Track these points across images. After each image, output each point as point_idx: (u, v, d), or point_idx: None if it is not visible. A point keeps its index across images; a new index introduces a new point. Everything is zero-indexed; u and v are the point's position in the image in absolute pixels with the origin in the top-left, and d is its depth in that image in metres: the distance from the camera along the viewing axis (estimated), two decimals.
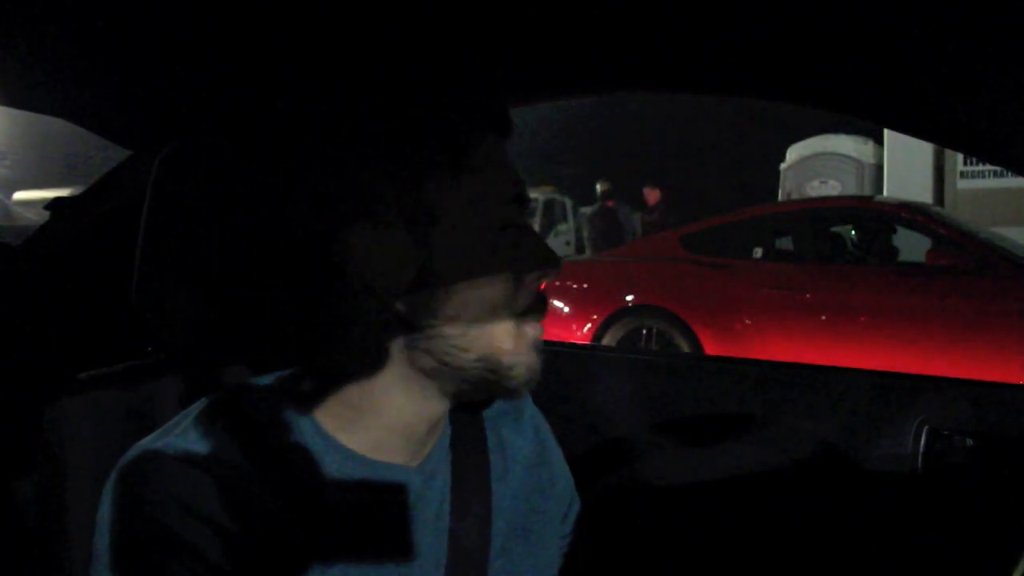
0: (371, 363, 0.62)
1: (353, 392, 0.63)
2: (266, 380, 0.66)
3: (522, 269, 0.62)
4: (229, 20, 0.77)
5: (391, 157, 0.59)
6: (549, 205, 12.34)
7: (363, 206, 0.58)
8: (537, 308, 0.63)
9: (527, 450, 0.77)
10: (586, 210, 10.10)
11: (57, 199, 1.16)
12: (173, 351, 0.76)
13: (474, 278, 0.60)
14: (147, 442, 0.60)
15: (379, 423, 0.63)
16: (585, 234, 9.53)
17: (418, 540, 0.65)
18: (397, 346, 0.61)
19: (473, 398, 0.67)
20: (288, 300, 0.65)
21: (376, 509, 0.63)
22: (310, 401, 0.63)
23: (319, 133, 0.62)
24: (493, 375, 0.62)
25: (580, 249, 11.34)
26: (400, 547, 0.63)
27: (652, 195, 8.33)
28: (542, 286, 0.64)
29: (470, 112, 0.62)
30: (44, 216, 1.18)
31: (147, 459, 0.58)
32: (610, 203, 9.06)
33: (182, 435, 0.59)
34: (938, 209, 5.55)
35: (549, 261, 0.63)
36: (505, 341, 0.61)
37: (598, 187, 9.10)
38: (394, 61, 0.85)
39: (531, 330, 0.63)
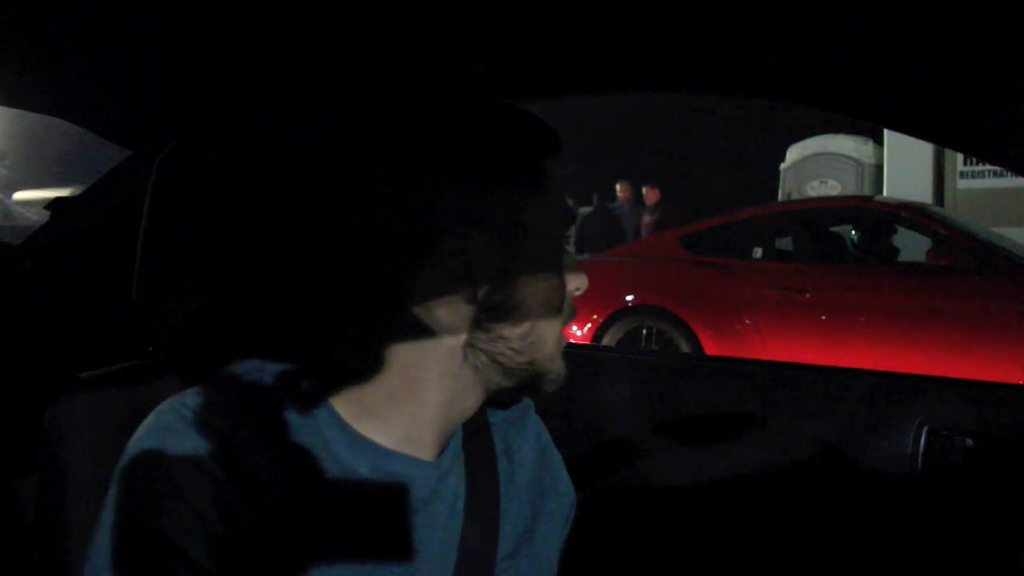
0: (423, 360, 0.64)
1: (396, 383, 0.64)
2: (274, 367, 0.66)
3: (571, 280, 0.69)
4: (229, 20, 0.77)
5: (482, 176, 0.63)
6: None
7: (452, 219, 0.62)
8: (571, 316, 0.70)
9: (530, 455, 0.78)
10: (586, 210, 10.10)
11: (57, 199, 1.16)
12: (173, 351, 0.76)
13: (542, 287, 0.66)
14: (149, 437, 0.60)
15: (416, 414, 0.64)
16: (583, 234, 9.52)
17: (428, 534, 0.65)
18: (456, 344, 0.64)
19: (504, 398, 0.72)
20: (312, 300, 0.67)
21: (387, 499, 0.63)
22: (327, 390, 0.64)
23: (391, 147, 0.64)
24: (536, 376, 0.67)
25: (580, 249, 11.34)
26: (408, 539, 0.64)
27: (651, 195, 8.32)
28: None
29: (538, 134, 0.67)
30: (44, 216, 1.18)
31: (150, 454, 0.58)
32: (623, 201, 9.04)
33: (186, 427, 0.59)
34: (938, 209, 5.55)
35: (582, 275, 0.70)
36: (551, 347, 0.67)
37: (618, 188, 9.10)
38: (370, 69, 0.86)
39: (562, 337, 0.69)
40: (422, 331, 0.63)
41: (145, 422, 0.61)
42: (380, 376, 0.64)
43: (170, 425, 0.59)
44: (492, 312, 0.64)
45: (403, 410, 0.64)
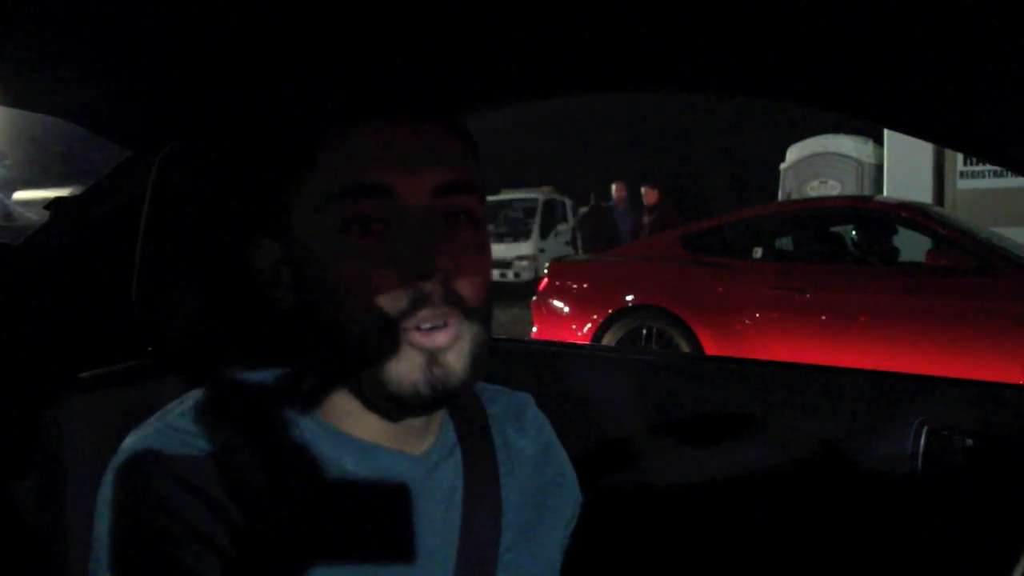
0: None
1: (337, 392, 0.63)
2: (259, 374, 0.66)
3: (376, 273, 0.56)
4: (229, 20, 0.77)
5: (259, 167, 0.61)
6: (549, 205, 12.34)
7: (253, 218, 0.60)
8: (411, 313, 0.56)
9: (531, 450, 0.78)
10: (585, 209, 10.10)
11: (57, 199, 1.16)
12: (173, 351, 0.76)
13: (325, 284, 0.57)
14: (143, 429, 0.60)
15: (365, 413, 0.64)
16: (578, 233, 9.54)
17: (424, 530, 0.65)
18: None
19: (376, 407, 0.63)
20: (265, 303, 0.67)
21: (375, 494, 0.63)
22: (307, 392, 0.64)
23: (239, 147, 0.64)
24: (366, 385, 0.59)
25: (579, 249, 11.35)
26: (401, 536, 0.63)
27: (650, 195, 8.31)
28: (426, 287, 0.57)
29: (320, 108, 0.60)
30: (44, 216, 1.18)
31: (145, 445, 0.58)
32: (604, 204, 9.05)
33: (178, 421, 0.60)
34: (938, 209, 5.55)
35: (422, 262, 0.56)
36: (370, 349, 0.57)
37: (613, 188, 9.11)
38: (370, 68, 0.86)
39: (410, 336, 0.57)
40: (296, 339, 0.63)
41: (133, 433, 0.61)
42: (336, 380, 0.63)
43: (159, 431, 0.59)
44: (307, 319, 0.60)
45: (358, 410, 0.63)
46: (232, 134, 0.65)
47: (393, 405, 0.60)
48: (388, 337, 0.57)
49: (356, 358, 0.58)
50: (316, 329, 0.60)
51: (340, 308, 0.57)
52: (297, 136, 0.59)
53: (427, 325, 0.57)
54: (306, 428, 0.62)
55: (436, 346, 0.57)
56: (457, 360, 0.58)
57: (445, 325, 0.58)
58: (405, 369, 0.57)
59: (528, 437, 0.78)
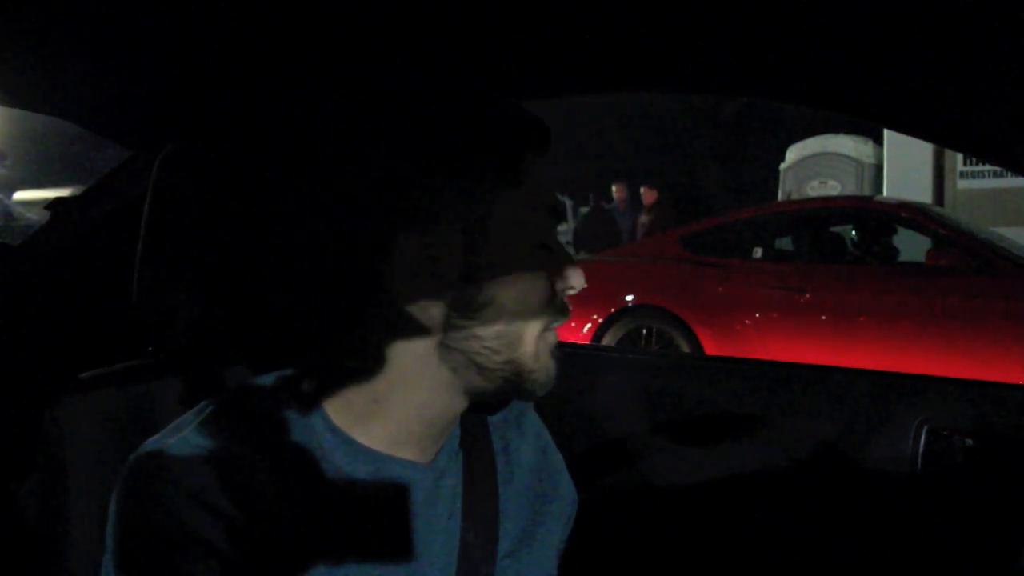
0: (401, 361, 0.63)
1: (377, 385, 0.63)
2: (269, 379, 0.66)
3: (554, 279, 0.66)
4: (229, 20, 0.77)
5: (446, 169, 0.62)
6: None
7: (413, 213, 0.61)
8: (559, 318, 0.67)
9: (529, 455, 0.78)
10: (585, 210, 10.10)
11: (57, 199, 1.16)
12: (173, 351, 0.76)
13: (516, 284, 0.63)
14: (155, 440, 0.60)
15: (398, 417, 0.64)
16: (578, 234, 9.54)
17: (428, 538, 0.65)
18: (430, 343, 0.63)
19: (491, 400, 0.70)
20: (300, 299, 0.66)
21: (387, 503, 0.64)
22: (319, 397, 0.64)
23: (360, 142, 0.64)
24: (517, 378, 0.65)
25: (578, 249, 11.35)
26: (410, 543, 0.64)
27: (649, 195, 8.29)
28: (567, 296, 0.68)
29: (516, 127, 0.65)
30: (44, 216, 1.18)
31: (156, 455, 0.58)
32: (604, 204, 9.04)
33: (191, 433, 0.60)
34: (938, 209, 5.55)
35: (578, 274, 0.67)
36: (531, 346, 0.65)
37: (614, 189, 9.11)
38: (370, 69, 0.86)
39: (551, 337, 0.67)
40: (395, 331, 0.63)
41: (145, 444, 0.61)
42: (365, 379, 0.63)
43: (173, 444, 0.59)
44: (463, 310, 0.62)
45: (389, 413, 0.64)
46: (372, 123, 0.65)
47: (529, 394, 0.67)
48: (543, 338, 0.66)
49: (514, 351, 0.64)
50: (476, 325, 0.63)
51: (517, 310, 0.64)
52: (505, 146, 0.64)
53: (560, 324, 0.67)
54: (322, 438, 0.62)
55: (556, 343, 0.68)
56: None
57: None
58: (549, 364, 0.67)
59: (528, 441, 0.78)
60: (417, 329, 0.62)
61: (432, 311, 0.62)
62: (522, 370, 0.65)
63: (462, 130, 0.63)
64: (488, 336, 0.63)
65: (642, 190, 8.38)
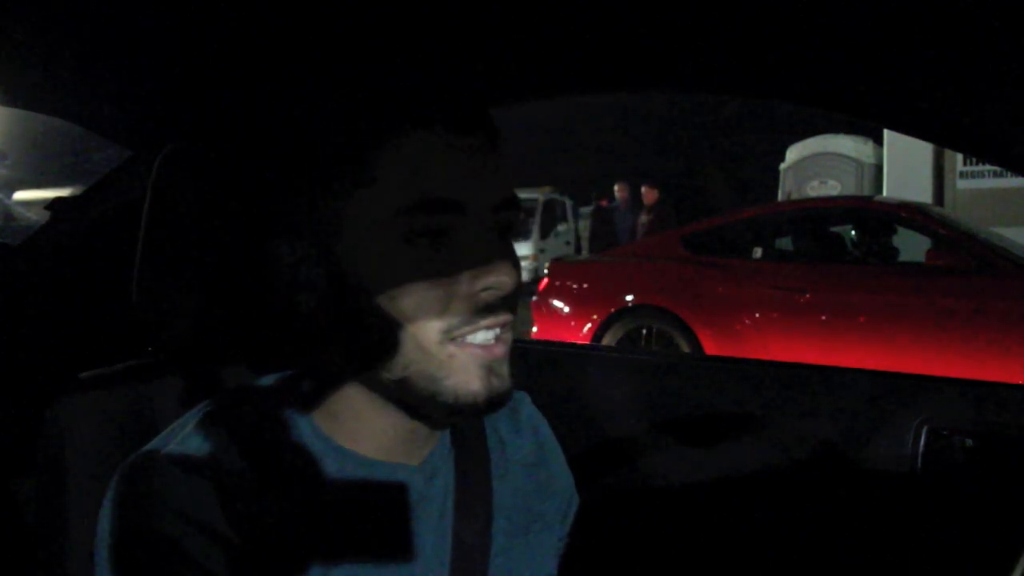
0: (336, 372, 0.62)
1: (348, 393, 0.63)
2: (266, 381, 0.66)
3: (467, 281, 0.57)
4: (229, 20, 0.77)
5: (296, 171, 0.59)
6: (549, 205, 12.34)
7: (274, 221, 0.59)
8: (473, 321, 0.58)
9: (526, 449, 0.77)
10: (586, 210, 10.11)
11: (57, 199, 1.16)
12: (173, 351, 0.76)
13: (388, 292, 0.56)
14: (147, 448, 0.60)
15: (372, 425, 0.63)
16: (580, 234, 9.57)
17: (421, 540, 0.65)
18: (343, 356, 0.61)
19: (420, 415, 0.63)
20: (271, 303, 0.66)
21: (378, 510, 0.63)
22: (308, 402, 0.63)
23: (265, 144, 0.63)
24: (416, 395, 0.59)
25: (580, 249, 11.36)
26: (403, 547, 0.64)
27: (650, 195, 8.29)
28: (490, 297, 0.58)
29: (366, 120, 0.58)
30: (44, 216, 1.18)
31: (146, 465, 0.58)
32: (604, 204, 9.06)
33: (183, 441, 0.60)
34: (938, 209, 5.55)
35: (496, 272, 0.57)
36: (427, 362, 0.57)
37: (616, 189, 9.12)
38: (370, 69, 0.86)
39: (470, 351, 0.58)
40: (315, 350, 0.61)
41: (137, 453, 0.61)
42: (346, 387, 0.63)
43: (165, 450, 0.59)
44: (345, 323, 0.59)
45: (366, 420, 0.63)
46: (249, 132, 0.64)
47: (442, 414, 0.61)
48: (449, 348, 0.57)
49: (406, 368, 0.58)
50: (354, 336, 0.59)
51: (398, 319, 0.57)
52: (350, 142, 0.58)
53: (488, 336, 0.58)
54: (311, 444, 0.62)
55: (495, 357, 0.59)
56: (507, 368, 0.61)
57: (501, 335, 0.59)
58: (464, 380, 0.58)
59: (523, 436, 0.78)
60: (326, 348, 0.61)
61: (322, 324, 0.60)
62: (421, 387, 0.58)
63: (304, 130, 0.60)
64: (371, 351, 0.58)
65: (643, 190, 8.38)
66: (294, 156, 0.60)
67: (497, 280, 0.57)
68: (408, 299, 0.57)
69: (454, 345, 0.58)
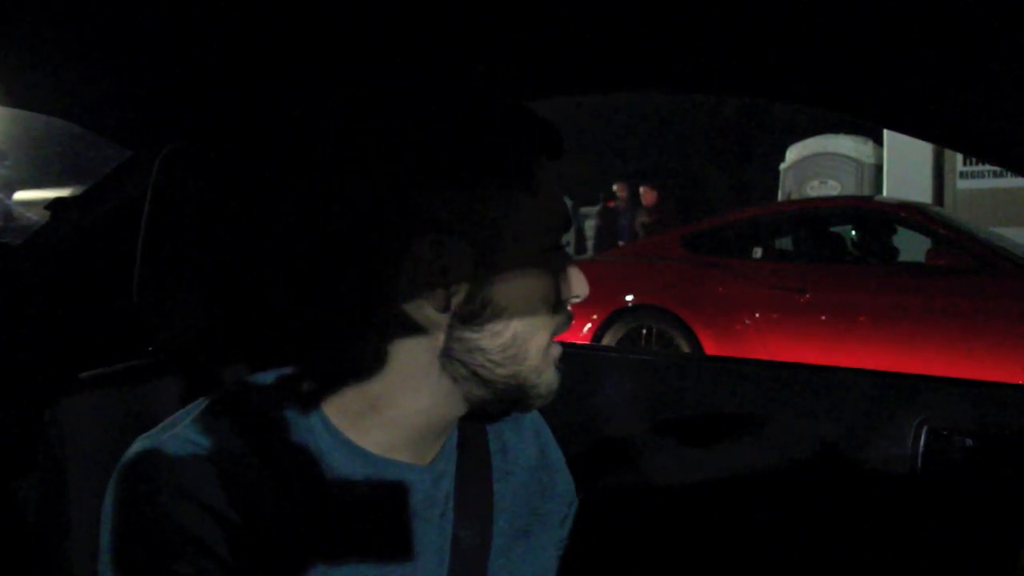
0: (402, 366, 0.62)
1: (375, 389, 0.63)
2: (268, 377, 0.66)
3: (563, 292, 0.65)
4: (229, 20, 0.77)
5: (458, 174, 0.60)
6: None
7: (425, 220, 0.59)
8: (563, 326, 0.66)
9: (528, 452, 0.78)
10: (586, 210, 10.10)
11: (57, 199, 1.16)
12: (173, 351, 0.76)
13: (525, 296, 0.62)
14: (150, 436, 0.60)
15: (395, 422, 0.63)
16: (587, 233, 9.55)
17: (423, 539, 0.65)
18: (433, 351, 0.62)
19: (492, 409, 0.68)
20: (301, 300, 0.66)
21: (383, 507, 0.63)
22: (319, 397, 0.63)
23: (368, 147, 0.62)
24: (518, 391, 0.64)
25: (579, 250, 11.35)
26: (406, 546, 0.64)
27: (649, 195, 8.28)
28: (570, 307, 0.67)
29: (529, 134, 0.64)
30: (44, 216, 1.18)
31: (150, 453, 0.58)
32: (611, 204, 9.04)
33: (186, 429, 0.60)
34: (938, 209, 5.55)
35: (582, 282, 0.67)
36: (535, 359, 0.64)
37: (615, 188, 9.11)
38: (370, 69, 0.85)
39: (555, 349, 0.66)
40: (396, 337, 0.61)
41: (138, 440, 0.61)
42: (363, 383, 0.63)
43: (166, 440, 0.59)
44: (468, 321, 0.61)
45: (385, 417, 0.63)
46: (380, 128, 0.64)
47: (533, 404, 0.67)
48: (549, 348, 0.65)
49: (521, 364, 0.63)
50: (481, 334, 0.62)
51: (526, 320, 0.63)
52: (523, 159, 0.63)
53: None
54: (320, 438, 0.62)
55: (559, 353, 0.67)
56: None
57: None
58: (550, 376, 0.66)
59: (526, 438, 0.78)
60: (420, 336, 0.61)
61: (435, 321, 0.61)
62: (524, 384, 0.64)
63: (473, 133, 0.62)
64: (492, 348, 0.62)
65: (641, 190, 8.37)
66: (454, 157, 0.61)
67: (580, 290, 0.66)
68: (537, 304, 0.63)
69: (547, 349, 0.65)
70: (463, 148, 0.61)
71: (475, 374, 0.62)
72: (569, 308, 0.67)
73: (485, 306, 0.61)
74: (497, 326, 0.61)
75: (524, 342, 0.63)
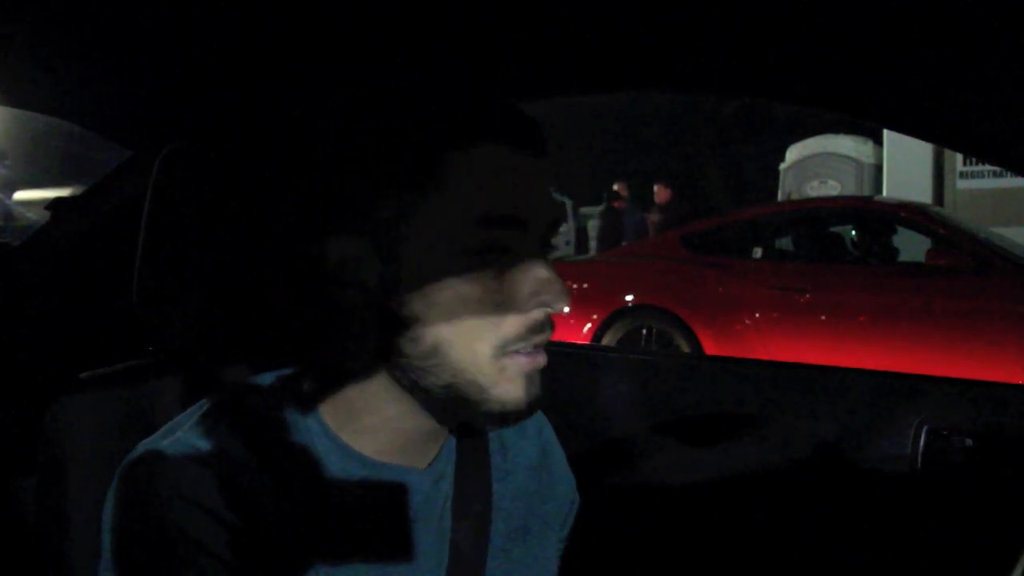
0: (360, 367, 0.61)
1: (354, 393, 0.62)
2: (268, 378, 0.66)
3: (517, 297, 0.58)
4: (229, 20, 0.77)
5: (362, 169, 0.58)
6: None
7: (333, 218, 0.58)
8: (527, 338, 0.59)
9: (529, 452, 0.77)
10: (586, 210, 10.09)
11: (57, 199, 1.16)
12: (173, 351, 0.76)
13: (447, 301, 0.56)
14: (150, 441, 0.60)
15: (378, 428, 0.63)
16: (591, 233, 9.53)
17: (422, 541, 0.65)
18: (379, 360, 0.60)
19: (458, 420, 0.64)
20: (284, 299, 0.65)
21: (381, 509, 0.63)
22: (315, 400, 0.63)
23: (302, 141, 0.62)
24: (462, 404, 0.59)
25: (580, 249, 11.35)
26: (404, 547, 0.63)
27: (662, 194, 8.16)
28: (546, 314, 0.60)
29: (436, 125, 0.58)
30: (44, 216, 1.18)
31: (151, 457, 0.58)
32: (616, 204, 9.02)
33: (186, 433, 0.60)
34: (938, 209, 5.55)
35: (554, 289, 0.58)
36: (477, 372, 0.58)
37: (615, 188, 9.09)
38: (370, 69, 0.85)
39: (518, 361, 0.59)
40: (345, 345, 0.61)
41: (140, 445, 0.60)
42: (345, 387, 0.62)
43: (167, 445, 0.59)
44: (391, 328, 0.58)
45: (367, 422, 0.63)
46: (292, 129, 0.63)
47: (483, 421, 0.61)
48: (500, 361, 0.58)
49: (455, 376, 0.58)
50: (402, 342, 0.58)
51: (453, 328, 0.57)
52: (425, 146, 0.57)
53: (531, 348, 0.59)
54: (318, 443, 0.62)
55: (536, 366, 0.60)
56: (539, 374, 0.61)
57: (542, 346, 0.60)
58: (511, 391, 0.59)
59: (527, 438, 0.78)
60: (362, 346, 0.60)
61: (368, 328, 0.59)
62: (466, 397, 0.58)
63: (361, 132, 0.59)
64: (414, 355, 0.58)
65: (655, 188, 8.27)
66: (359, 155, 0.59)
67: (552, 299, 0.58)
68: (466, 311, 0.57)
69: (505, 358, 0.58)
70: (353, 148, 0.59)
71: (415, 383, 0.59)
72: (541, 315, 0.59)
73: (399, 312, 0.57)
74: (415, 332, 0.57)
75: (450, 350, 0.57)
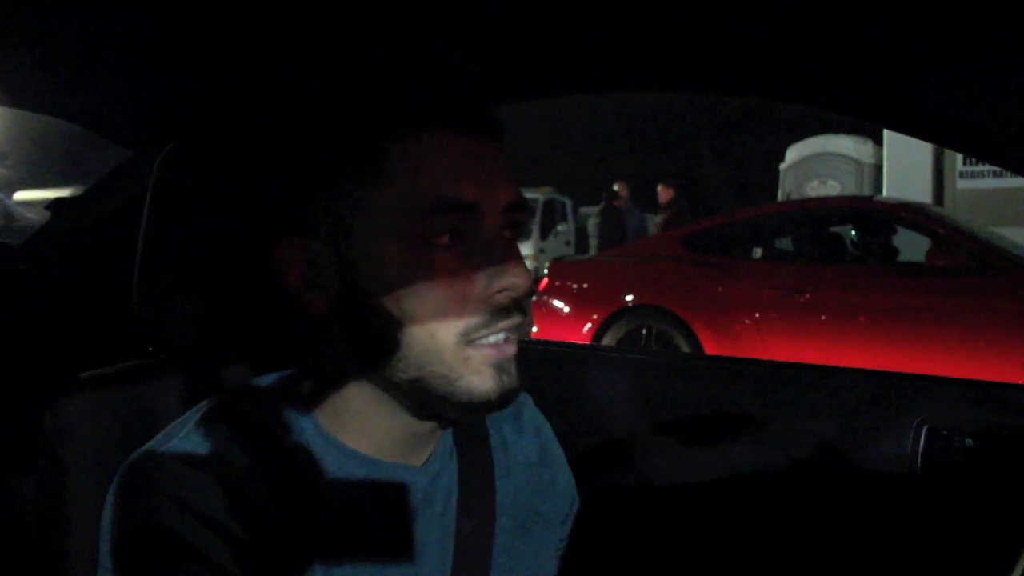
0: (337, 371, 0.61)
1: (341, 395, 0.63)
2: (267, 380, 0.66)
3: (481, 287, 0.57)
4: (229, 20, 0.77)
5: (307, 172, 0.58)
6: (549, 205, 12.34)
7: (285, 218, 0.59)
8: (491, 324, 0.58)
9: (528, 449, 0.78)
10: (586, 210, 10.09)
11: (57, 199, 1.16)
12: (173, 351, 0.76)
13: (403, 294, 0.56)
14: (149, 446, 0.60)
15: (376, 425, 0.63)
16: (591, 232, 9.53)
17: (424, 539, 0.65)
18: (356, 359, 0.61)
19: (431, 413, 0.64)
20: (272, 302, 0.66)
21: (381, 509, 0.63)
22: (310, 401, 0.63)
23: (271, 143, 0.62)
24: (431, 397, 0.59)
25: (580, 249, 11.36)
26: (406, 546, 0.64)
27: (665, 194, 8.15)
28: (510, 299, 0.59)
29: (374, 119, 0.58)
30: (44, 216, 1.18)
31: (149, 462, 0.58)
32: (616, 203, 9.02)
33: (184, 438, 0.60)
34: (938, 209, 5.55)
35: (512, 274, 0.57)
36: (440, 364, 0.57)
37: (615, 187, 9.08)
38: (371, 68, 0.85)
39: (483, 352, 0.58)
40: (319, 349, 0.61)
41: (137, 452, 0.61)
42: (344, 387, 0.63)
43: (164, 450, 0.59)
44: (359, 331, 0.58)
45: (364, 421, 0.63)
46: (255, 132, 0.64)
47: (455, 413, 0.61)
48: (465, 350, 0.58)
49: (420, 369, 0.58)
50: (366, 338, 0.58)
51: (413, 320, 0.56)
52: (357, 143, 0.57)
53: (500, 337, 0.58)
54: (313, 443, 0.62)
55: (506, 357, 0.59)
56: (515, 366, 0.60)
57: (511, 335, 0.59)
58: (478, 381, 0.58)
59: (526, 437, 0.78)
60: (332, 348, 0.60)
61: (333, 327, 0.59)
62: (434, 389, 0.58)
63: (311, 130, 0.59)
64: (385, 351, 0.57)
65: (659, 188, 8.26)
66: (304, 156, 0.59)
67: (513, 282, 0.57)
68: (424, 301, 0.56)
69: (470, 347, 0.58)
70: (288, 148, 0.60)
71: (388, 382, 0.59)
72: (504, 299, 0.58)
73: (357, 308, 0.57)
74: (380, 330, 0.57)
75: (414, 343, 0.57)
